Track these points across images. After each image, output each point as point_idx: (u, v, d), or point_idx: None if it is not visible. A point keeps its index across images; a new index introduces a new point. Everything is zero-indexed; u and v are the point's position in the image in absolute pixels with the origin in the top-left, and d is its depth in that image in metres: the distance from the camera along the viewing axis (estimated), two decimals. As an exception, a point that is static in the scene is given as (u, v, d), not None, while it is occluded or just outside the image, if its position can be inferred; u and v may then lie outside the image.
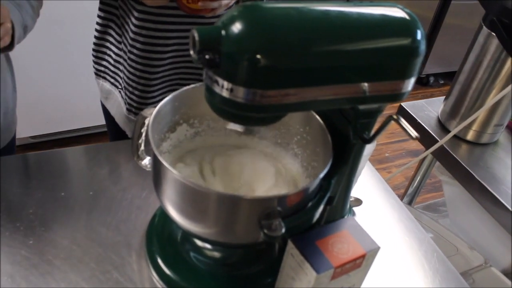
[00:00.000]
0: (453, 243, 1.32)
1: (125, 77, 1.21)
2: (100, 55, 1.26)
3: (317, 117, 0.70)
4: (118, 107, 1.28)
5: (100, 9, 1.19)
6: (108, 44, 1.23)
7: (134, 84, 1.20)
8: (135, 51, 1.14)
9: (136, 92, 1.21)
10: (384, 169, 2.64)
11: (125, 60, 1.18)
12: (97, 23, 1.23)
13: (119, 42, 1.19)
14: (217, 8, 1.04)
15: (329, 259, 0.62)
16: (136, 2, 1.08)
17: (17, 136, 2.31)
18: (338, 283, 0.65)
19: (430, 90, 3.51)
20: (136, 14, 1.09)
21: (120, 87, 1.26)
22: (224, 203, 0.60)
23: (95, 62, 1.29)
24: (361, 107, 0.60)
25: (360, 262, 0.65)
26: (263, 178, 0.75)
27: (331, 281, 0.64)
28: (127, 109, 1.25)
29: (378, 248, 0.65)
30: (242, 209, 0.60)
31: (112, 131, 1.40)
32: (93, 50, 1.28)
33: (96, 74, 1.30)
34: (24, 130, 2.27)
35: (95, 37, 1.26)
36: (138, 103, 1.23)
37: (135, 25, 1.11)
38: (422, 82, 3.57)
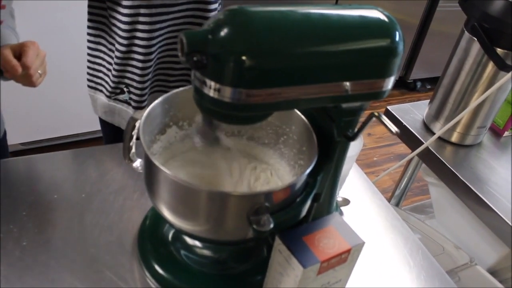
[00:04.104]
0: (439, 243, 1.34)
1: (128, 74, 1.21)
2: (96, 66, 1.27)
3: (302, 116, 0.72)
4: (120, 113, 1.29)
5: (89, 20, 1.21)
6: (102, 55, 1.25)
7: (139, 79, 1.21)
8: (135, 41, 1.15)
9: (140, 86, 1.23)
10: (373, 173, 2.67)
11: (122, 58, 1.19)
12: (88, 41, 1.24)
13: (112, 44, 1.20)
14: None
15: (315, 254, 0.64)
16: None
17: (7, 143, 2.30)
18: (324, 278, 0.67)
19: (417, 95, 3.56)
20: (127, 3, 1.10)
21: (117, 91, 1.27)
22: (214, 200, 0.62)
23: (92, 75, 1.29)
24: (344, 105, 0.62)
25: (346, 257, 0.67)
26: (251, 177, 0.77)
27: (317, 276, 0.66)
28: (134, 107, 1.26)
29: (363, 243, 0.67)
30: (231, 205, 0.62)
31: (109, 141, 1.41)
32: (88, 67, 1.29)
33: (94, 88, 1.31)
34: (15, 137, 2.27)
35: (88, 54, 1.27)
36: (141, 96, 1.25)
37: (128, 15, 1.11)
38: (409, 87, 3.61)
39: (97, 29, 1.21)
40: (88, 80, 1.31)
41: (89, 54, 1.27)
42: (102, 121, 1.36)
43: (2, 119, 1.21)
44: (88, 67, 1.29)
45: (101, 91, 1.29)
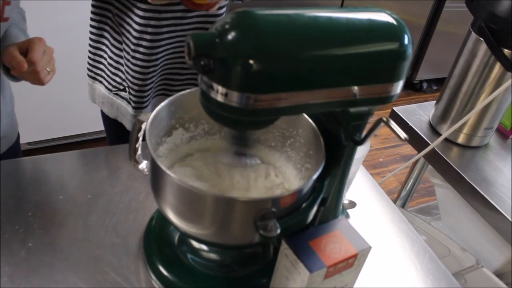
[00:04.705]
0: (445, 245, 1.34)
1: (129, 77, 1.22)
2: (97, 58, 1.28)
3: (310, 120, 0.72)
4: (119, 108, 1.30)
5: (93, 12, 1.21)
6: (104, 48, 1.25)
7: (140, 82, 1.22)
8: (140, 49, 1.16)
9: (143, 88, 1.23)
10: (378, 174, 2.66)
11: (128, 60, 1.20)
12: (91, 32, 1.25)
13: (120, 43, 1.21)
14: (219, 1, 1.06)
15: (322, 258, 0.64)
16: (140, 1, 1.09)
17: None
18: (331, 282, 0.67)
19: (423, 96, 3.54)
20: (140, 13, 1.11)
21: (121, 88, 1.27)
22: (220, 205, 0.62)
23: (92, 66, 1.30)
24: (352, 110, 0.62)
25: (352, 262, 0.66)
26: (258, 181, 0.77)
27: (324, 281, 0.65)
28: (134, 107, 1.27)
29: (370, 247, 0.67)
30: (237, 210, 0.62)
31: (111, 134, 1.41)
32: (89, 57, 1.30)
33: (93, 78, 1.32)
34: (21, 136, 2.27)
35: (90, 45, 1.27)
36: (141, 97, 1.25)
37: (139, 24, 1.13)
38: (415, 88, 3.59)
39: (100, 22, 1.22)
40: (88, 69, 1.32)
41: (90, 46, 1.28)
42: (104, 115, 1.36)
43: (16, 122, 1.21)
44: (89, 58, 1.30)
45: (100, 82, 1.30)
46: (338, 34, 0.55)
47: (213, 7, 1.06)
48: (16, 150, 1.22)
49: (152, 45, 1.16)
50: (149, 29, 1.13)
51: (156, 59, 1.19)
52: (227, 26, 0.52)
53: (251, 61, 0.50)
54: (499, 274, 1.30)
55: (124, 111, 1.29)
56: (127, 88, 1.25)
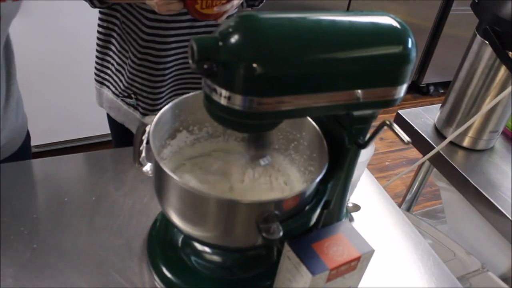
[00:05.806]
0: (450, 248, 1.33)
1: (136, 84, 1.23)
2: (105, 63, 1.29)
3: (313, 123, 0.72)
4: (126, 113, 1.30)
5: (100, 19, 1.22)
6: (111, 53, 1.26)
7: (149, 90, 1.22)
8: (149, 58, 1.17)
9: (152, 96, 1.24)
10: (385, 178, 2.66)
11: (134, 68, 1.21)
12: (98, 38, 1.25)
13: (126, 51, 1.22)
14: (227, 11, 1.06)
15: (324, 261, 0.64)
16: (147, 11, 1.10)
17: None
18: (333, 285, 0.67)
19: (430, 100, 3.53)
20: (147, 22, 1.12)
21: (125, 94, 1.28)
22: (223, 207, 0.62)
23: (99, 71, 1.31)
24: (355, 113, 0.62)
25: (355, 265, 0.66)
26: (262, 184, 0.77)
27: (326, 283, 0.65)
28: (142, 113, 1.27)
29: (373, 250, 0.67)
30: (240, 213, 0.62)
31: (117, 138, 1.42)
32: (96, 62, 1.30)
33: (100, 82, 1.32)
34: (27, 139, 2.28)
35: (97, 50, 1.28)
36: (152, 105, 1.26)
37: (146, 33, 1.13)
38: (422, 92, 3.58)
39: (107, 29, 1.23)
40: (96, 74, 1.32)
41: (98, 51, 1.29)
42: (110, 119, 1.37)
43: (25, 120, 1.21)
44: (96, 63, 1.31)
45: (107, 86, 1.31)
46: (341, 37, 0.55)
47: (221, 17, 1.06)
48: (26, 150, 1.21)
49: (160, 54, 1.16)
50: (157, 38, 1.14)
51: (165, 69, 1.19)
52: (230, 30, 0.52)
53: (254, 65, 0.50)
54: (504, 278, 1.29)
55: (131, 116, 1.30)
56: (132, 95, 1.25)
